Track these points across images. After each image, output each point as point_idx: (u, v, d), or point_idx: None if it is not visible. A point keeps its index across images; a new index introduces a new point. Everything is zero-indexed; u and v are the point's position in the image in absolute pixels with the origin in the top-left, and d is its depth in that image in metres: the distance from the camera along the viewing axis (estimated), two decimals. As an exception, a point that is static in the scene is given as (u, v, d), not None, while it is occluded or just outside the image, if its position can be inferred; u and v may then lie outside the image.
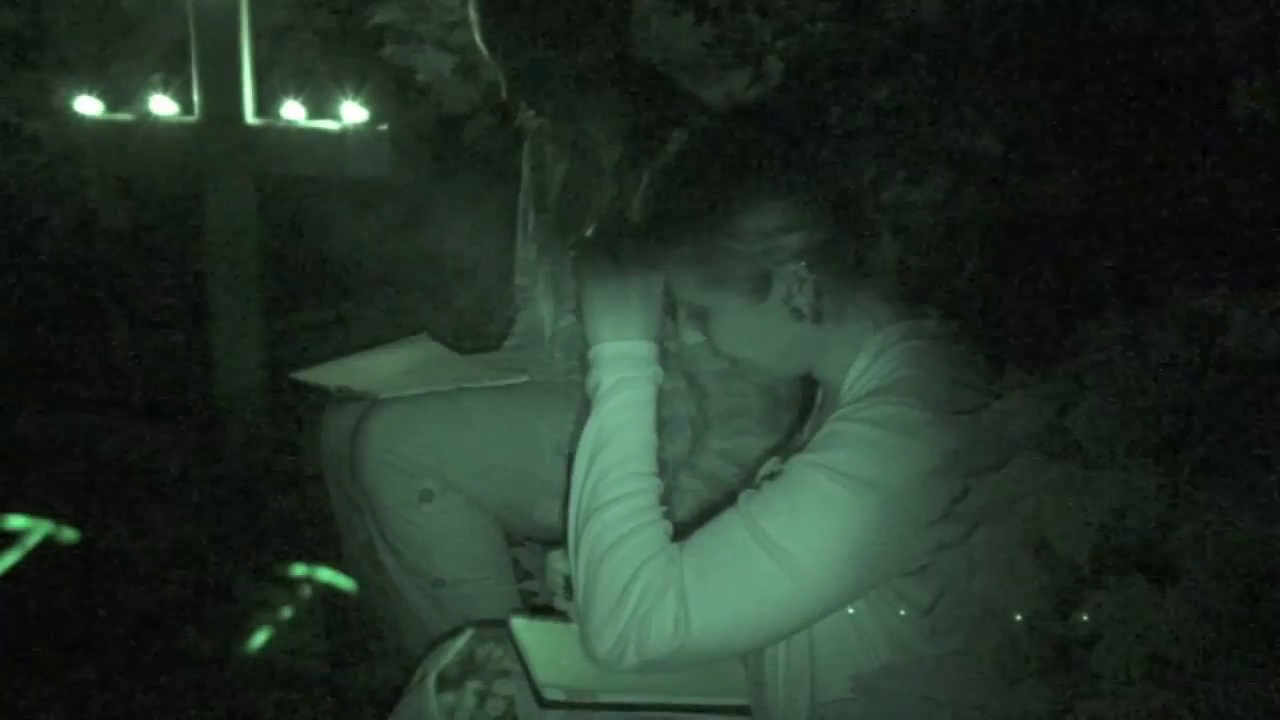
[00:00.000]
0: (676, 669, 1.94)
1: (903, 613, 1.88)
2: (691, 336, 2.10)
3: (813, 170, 1.96)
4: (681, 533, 1.95)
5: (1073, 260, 3.09)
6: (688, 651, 1.86)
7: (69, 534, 3.83)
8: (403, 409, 2.96)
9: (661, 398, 2.10)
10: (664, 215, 2.00)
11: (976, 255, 3.25)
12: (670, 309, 2.10)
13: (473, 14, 2.89)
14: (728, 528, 1.88)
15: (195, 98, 3.93)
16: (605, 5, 2.88)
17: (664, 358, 2.12)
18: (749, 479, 2.14)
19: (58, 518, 3.86)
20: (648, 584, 1.86)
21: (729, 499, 1.95)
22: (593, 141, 2.99)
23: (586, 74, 2.88)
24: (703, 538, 1.89)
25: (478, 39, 2.91)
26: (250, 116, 3.95)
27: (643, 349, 2.07)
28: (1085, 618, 1.58)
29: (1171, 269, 2.77)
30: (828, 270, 1.94)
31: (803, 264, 1.92)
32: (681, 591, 1.84)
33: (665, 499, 2.01)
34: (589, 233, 2.21)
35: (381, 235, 5.19)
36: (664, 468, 2.07)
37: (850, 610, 1.90)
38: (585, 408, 2.07)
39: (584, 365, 2.13)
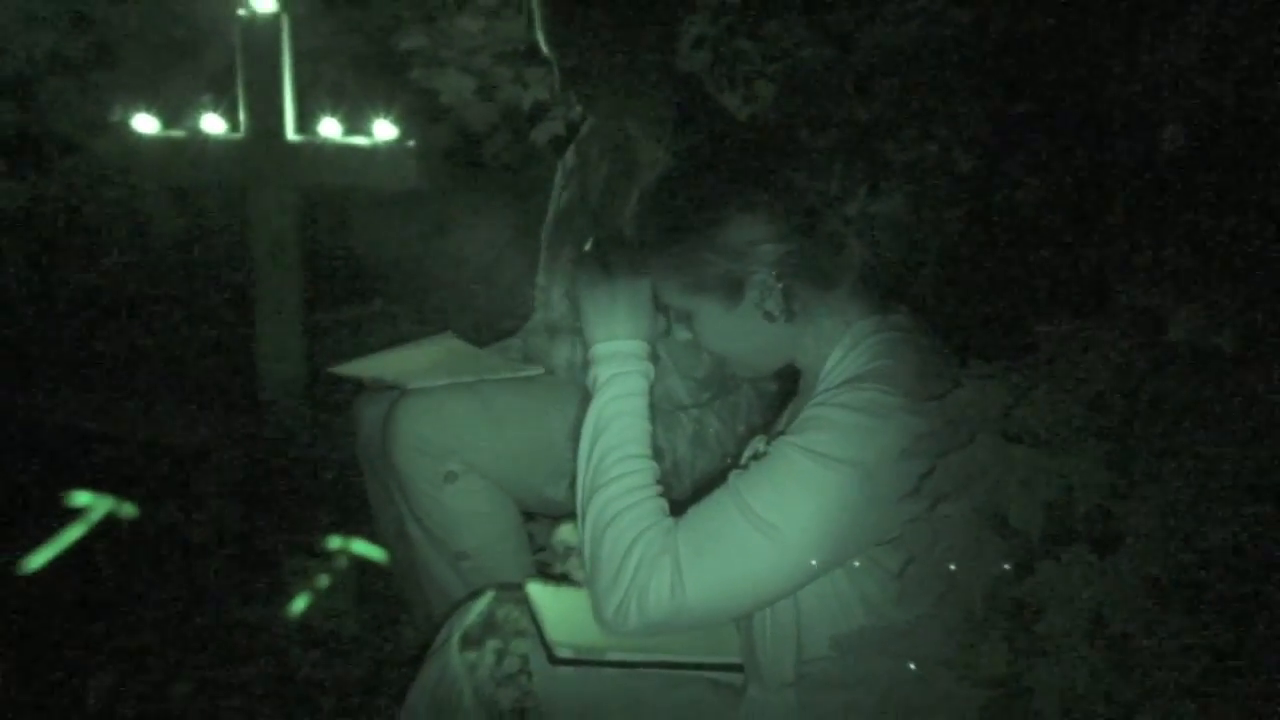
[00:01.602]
0: (675, 631, 1.96)
1: (876, 579, 1.90)
2: (682, 334, 2.12)
3: (783, 189, 1.97)
4: (684, 506, 1.98)
5: (1029, 262, 3.10)
6: (684, 615, 1.88)
7: (128, 510, 3.84)
8: (430, 399, 2.97)
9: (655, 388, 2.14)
10: (648, 229, 2.03)
11: (936, 259, 3.26)
12: (663, 310, 2.12)
13: (536, 9, 2.93)
14: (718, 503, 1.90)
15: (241, 116, 3.94)
16: (656, 14, 2.91)
17: (655, 355, 2.14)
18: (737, 459, 2.15)
19: (118, 495, 3.87)
20: (644, 553, 1.88)
21: (723, 477, 1.97)
22: (634, 141, 3.01)
23: (633, 73, 2.90)
24: (696, 513, 1.91)
25: (539, 36, 2.94)
26: (291, 133, 3.95)
27: (634, 347, 2.09)
28: (1037, 584, 1.60)
29: (1117, 271, 2.78)
30: (797, 277, 1.95)
31: (772, 272, 1.94)
32: (676, 561, 1.86)
33: (663, 478, 2.03)
34: (586, 246, 2.23)
35: (409, 241, 5.19)
36: (660, 451, 2.09)
37: (830, 577, 1.91)
38: (587, 400, 2.09)
39: (585, 362, 2.16)
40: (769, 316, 1.97)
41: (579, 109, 3.13)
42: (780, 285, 1.94)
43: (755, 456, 1.99)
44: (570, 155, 3.28)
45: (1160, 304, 1.84)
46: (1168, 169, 3.13)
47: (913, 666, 1.72)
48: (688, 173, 2.02)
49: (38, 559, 3.60)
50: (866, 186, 1.99)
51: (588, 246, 2.20)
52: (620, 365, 2.07)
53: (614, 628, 1.93)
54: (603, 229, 2.22)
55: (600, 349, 2.10)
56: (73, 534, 3.71)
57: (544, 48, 2.99)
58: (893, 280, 2.02)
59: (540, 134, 4.78)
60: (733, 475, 1.94)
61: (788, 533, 1.84)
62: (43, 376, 4.66)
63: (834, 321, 2.00)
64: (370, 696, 3.05)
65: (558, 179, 3.29)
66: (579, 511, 2.03)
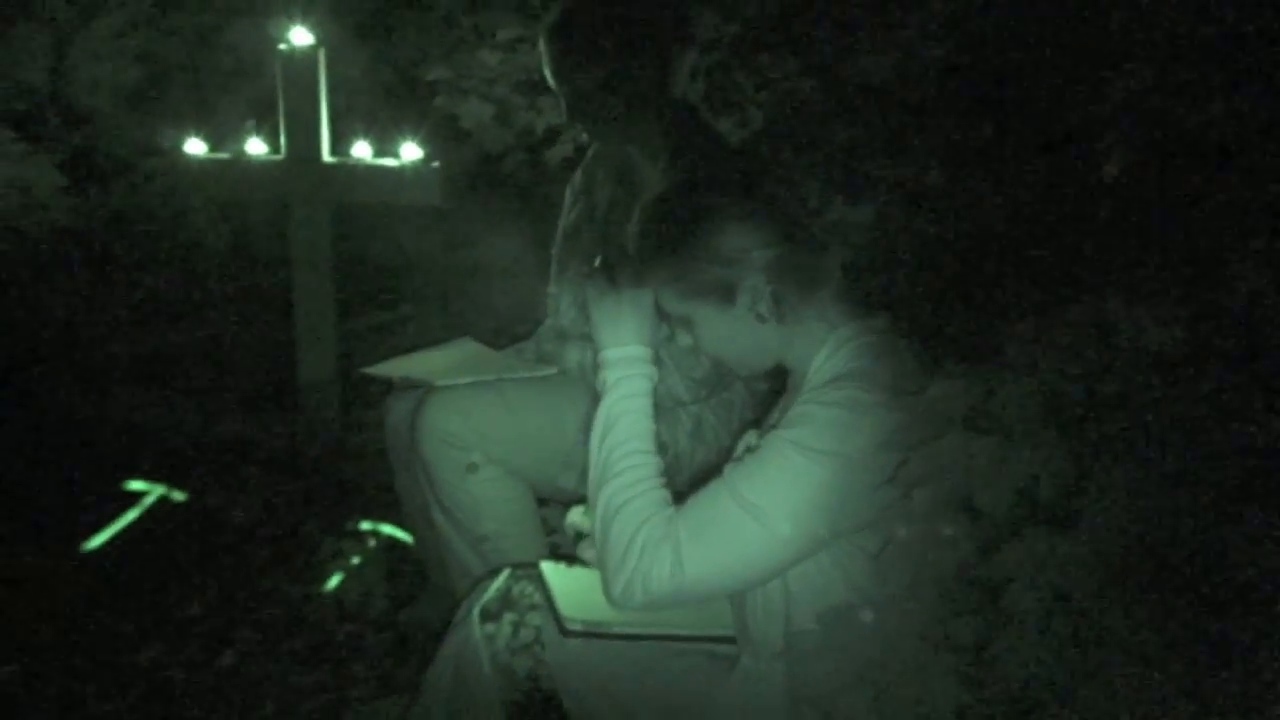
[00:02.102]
0: (676, 607, 1.98)
1: (857, 559, 1.91)
2: (683, 340, 2.12)
3: (768, 201, 1.99)
4: (683, 496, 2.00)
5: (994, 271, 3.10)
6: (683, 592, 1.89)
7: (178, 495, 3.85)
8: (453, 396, 2.97)
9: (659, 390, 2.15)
10: (648, 243, 2.04)
11: (909, 266, 3.27)
12: (665, 318, 2.13)
13: (543, 49, 2.93)
14: (714, 493, 1.92)
15: (281, 140, 3.94)
16: (650, 49, 2.91)
17: (658, 358, 2.15)
18: (732, 451, 2.16)
19: (170, 483, 3.88)
20: (648, 539, 1.89)
21: (718, 468, 1.99)
22: (636, 164, 3.01)
23: (632, 104, 2.91)
24: (694, 501, 1.93)
25: (546, 71, 2.95)
26: (326, 155, 3.96)
27: (639, 352, 2.11)
28: (1002, 563, 1.61)
29: (1074, 280, 2.78)
30: (784, 280, 1.97)
31: (761, 276, 1.96)
32: (676, 545, 1.88)
33: (664, 470, 2.04)
34: (595, 262, 2.24)
35: (433, 252, 5.20)
36: (662, 445, 2.10)
37: (815, 557, 1.92)
38: (597, 399, 2.11)
39: (595, 365, 2.17)
40: (760, 318, 1.98)
41: (586, 134, 3.13)
42: (769, 288, 1.96)
43: (748, 449, 2.00)
44: (578, 176, 3.29)
45: (1112, 310, 1.85)
46: (1119, 187, 3.13)
47: (889, 639, 1.73)
48: (682, 191, 2.04)
49: (97, 539, 3.61)
50: (842, 198, 2.01)
51: (596, 263, 2.21)
52: (627, 369, 2.09)
53: (621, 604, 1.94)
54: (609, 246, 2.23)
55: (609, 354, 2.12)
56: (129, 517, 3.72)
57: (551, 82, 3.00)
58: (870, 285, 2.03)
59: (552, 156, 4.79)
60: (727, 467, 1.96)
61: (776, 518, 1.85)
62: (103, 376, 4.66)
63: (819, 325, 2.02)
64: (398, 664, 3.06)
65: (567, 197, 3.29)
66: (590, 499, 2.05)
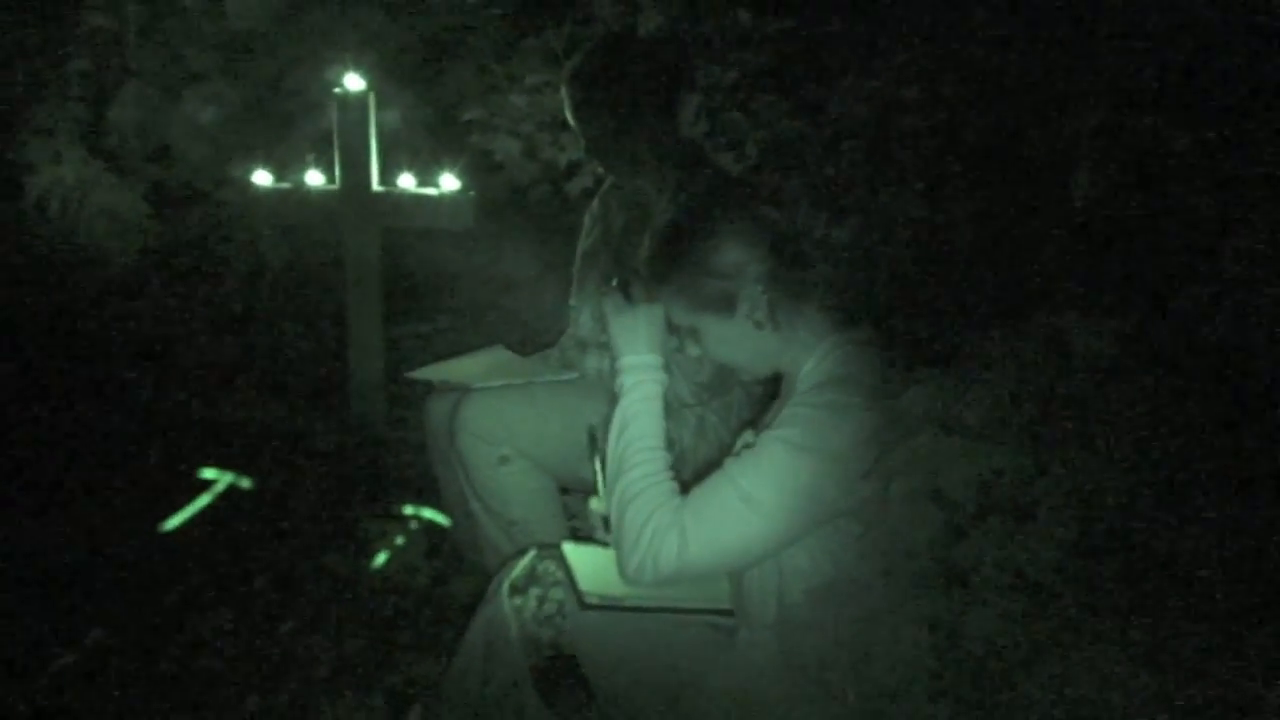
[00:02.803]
0: (682, 583, 1.98)
1: (841, 542, 1.91)
2: (692, 350, 2.13)
3: (761, 222, 2.00)
4: (689, 486, 2.01)
5: (962, 287, 3.10)
6: (688, 570, 1.90)
7: (245, 483, 3.84)
8: (486, 397, 2.97)
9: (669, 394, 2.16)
10: (657, 262, 2.05)
11: (887, 281, 3.26)
12: (674, 330, 2.14)
13: (565, 94, 2.94)
14: (715, 484, 1.93)
15: (337, 171, 3.94)
16: (659, 94, 2.92)
17: (668, 365, 2.16)
18: (731, 447, 2.16)
19: (237, 471, 3.87)
20: (657, 525, 1.90)
21: (719, 463, 2.00)
22: (646, 193, 3.01)
23: (643, 142, 2.91)
24: (698, 492, 1.94)
25: (567, 113, 2.96)
26: (375, 185, 3.95)
27: (652, 360, 2.12)
28: (970, 547, 1.60)
29: (1033, 298, 2.77)
30: (777, 289, 1.98)
31: (757, 287, 1.97)
32: (682, 530, 1.89)
33: (673, 464, 2.05)
34: (613, 282, 2.24)
35: (468, 271, 5.19)
36: (670, 441, 2.10)
37: (804, 541, 1.92)
38: (614, 402, 2.11)
39: (613, 371, 2.17)
40: (758, 325, 2.00)
41: (602, 168, 3.13)
42: (764, 297, 1.97)
43: (745, 446, 2.01)
44: (596, 204, 3.29)
45: (1066, 323, 1.85)
46: (1072, 215, 3.13)
47: (869, 613, 1.73)
48: (685, 215, 2.04)
49: (175, 521, 3.61)
50: (826, 220, 2.03)
51: (613, 282, 2.22)
52: (640, 375, 2.10)
53: (634, 581, 1.96)
54: (623, 267, 2.24)
55: (625, 361, 2.13)
56: (203, 501, 3.72)
57: (572, 123, 3.00)
58: (851, 299, 2.03)
59: (573, 187, 4.79)
60: (728, 461, 1.97)
61: (769, 506, 1.86)
62: (180, 377, 4.67)
63: (808, 335, 2.03)
64: (436, 632, 3.05)
65: (586, 223, 3.29)
66: (606, 490, 2.06)
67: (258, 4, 4.96)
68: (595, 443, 2.43)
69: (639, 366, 2.11)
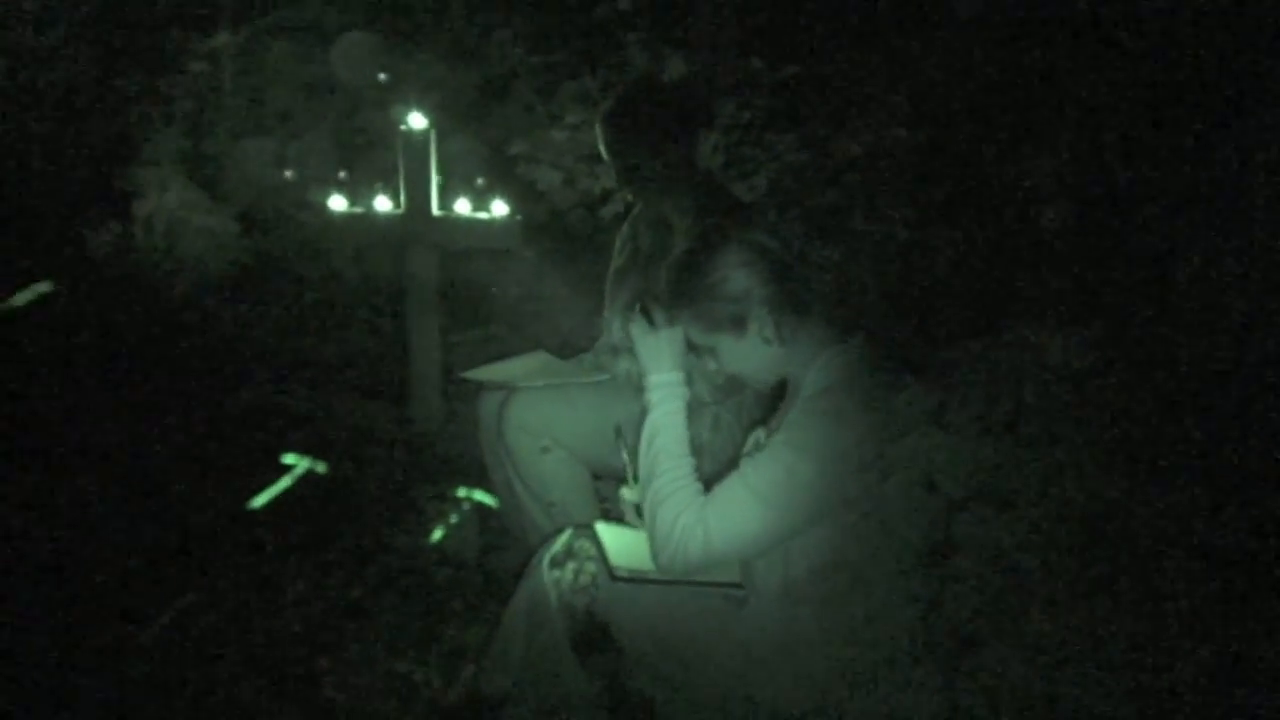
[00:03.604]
0: (708, 569, 2.00)
1: (842, 527, 1.90)
2: (710, 365, 2.13)
3: (766, 250, 2.00)
4: (712, 480, 2.03)
5: (948, 304, 3.08)
6: (712, 560, 1.95)
7: (320, 467, 3.85)
8: (530, 395, 2.97)
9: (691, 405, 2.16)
10: (678, 291, 2.06)
11: (881, 299, 3.25)
12: (693, 348, 2.14)
13: (599, 131, 2.94)
14: (732, 484, 1.96)
15: (401, 198, 3.95)
16: (682, 131, 2.91)
17: (689, 376, 2.16)
18: (744, 441, 2.16)
19: (313, 457, 3.88)
20: (685, 523, 1.93)
21: (733, 464, 2.01)
22: (670, 218, 3.01)
23: (668, 173, 2.90)
24: (718, 491, 1.97)
25: (601, 147, 2.96)
26: (435, 210, 3.96)
27: (675, 376, 2.14)
28: (956, 531, 1.59)
29: (1010, 312, 2.76)
30: (782, 310, 1.98)
31: (764, 309, 1.97)
32: (706, 526, 1.91)
33: (697, 465, 2.06)
34: (637, 307, 2.24)
35: (514, 285, 5.20)
36: (691, 439, 2.11)
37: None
38: (642, 413, 2.14)
39: (641, 384, 2.18)
40: (766, 341, 2.00)
41: (631, 196, 3.13)
42: (771, 318, 1.98)
43: (756, 444, 2.03)
44: (626, 227, 3.28)
45: (1040, 335, 1.84)
46: (1045, 240, 3.11)
47: (865, 585, 1.72)
48: (696, 250, 2.05)
49: (259, 500, 3.62)
50: (823, 244, 2.04)
51: (637, 307, 2.22)
52: (666, 390, 2.12)
53: (666, 571, 2.01)
54: (648, 293, 2.25)
55: (652, 379, 2.15)
56: (283, 484, 3.73)
57: (605, 156, 2.99)
58: (849, 314, 2.03)
59: (606, 212, 4.80)
60: (743, 462, 2.01)
61: (780, 502, 1.88)
62: (265, 375, 4.69)
63: (810, 348, 2.03)
64: (485, 600, 3.05)
65: (617, 244, 3.29)
66: (641, 489, 2.08)
67: (358, 61, 5.00)
68: (621, 437, 2.43)
69: (664, 384, 2.13)
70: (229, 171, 5.27)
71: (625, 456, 2.33)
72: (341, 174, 4.48)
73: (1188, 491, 1.65)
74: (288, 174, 5.13)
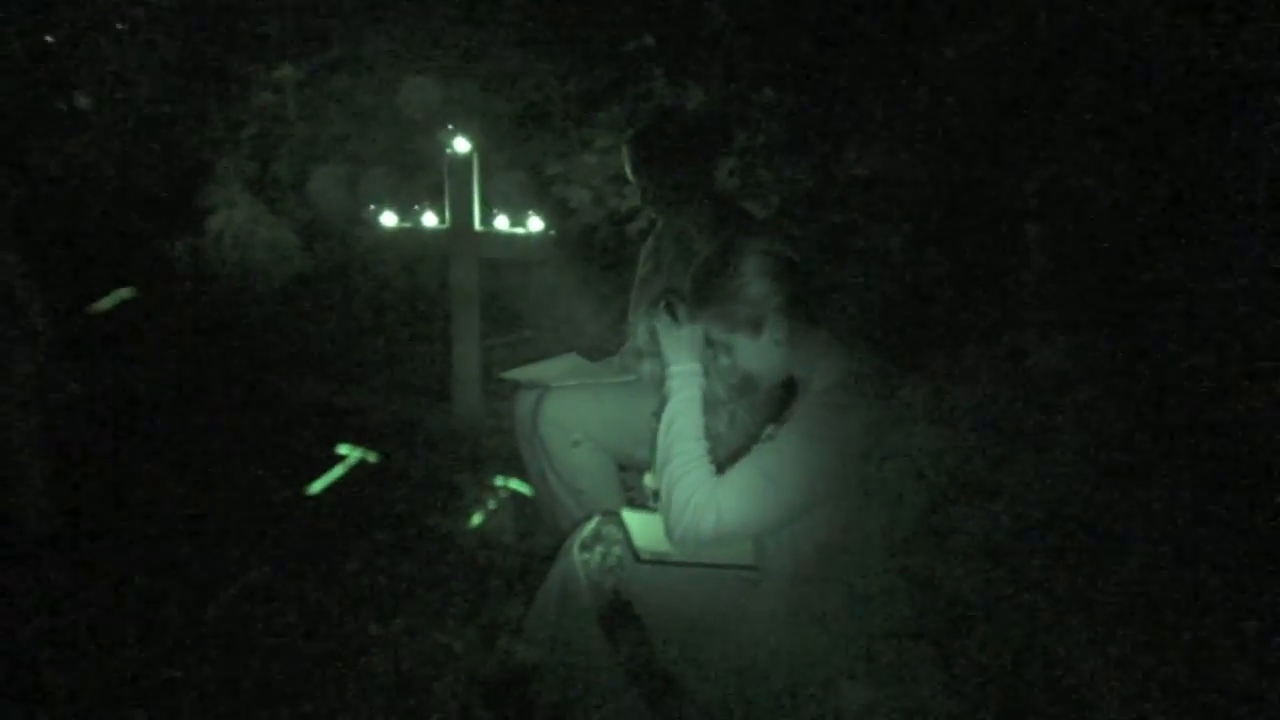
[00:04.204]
0: (718, 546, 1.99)
1: (845, 511, 1.90)
2: (724, 360, 2.13)
3: (782, 262, 2.01)
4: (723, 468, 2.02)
5: (945, 311, 3.08)
6: (724, 537, 1.93)
7: (371, 457, 3.87)
8: (563, 394, 2.98)
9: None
10: (702, 294, 2.06)
11: (882, 307, 3.24)
12: (711, 344, 2.14)
13: (625, 155, 2.95)
14: (744, 467, 1.94)
15: (446, 214, 3.98)
16: (701, 155, 2.92)
17: (706, 371, 2.16)
18: (758, 436, 2.17)
19: (365, 447, 3.91)
20: (699, 502, 1.92)
21: (748, 449, 2.01)
22: (689, 234, 3.01)
23: (687, 193, 2.91)
24: (731, 473, 1.95)
25: (627, 169, 2.97)
26: (477, 225, 3.98)
27: (694, 368, 2.13)
28: (948, 517, 1.59)
29: (999, 320, 2.76)
30: (794, 316, 1.98)
31: (779, 314, 1.97)
32: (718, 505, 1.90)
33: (710, 450, 2.05)
34: (661, 302, 2.24)
35: (548, 293, 5.20)
36: (708, 431, 2.11)
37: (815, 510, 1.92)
38: (663, 401, 2.12)
39: (663, 376, 2.19)
40: (778, 343, 2.01)
41: (655, 214, 3.14)
42: (785, 322, 1.98)
43: (769, 436, 2.02)
44: (649, 242, 3.29)
45: (1028, 341, 1.84)
46: (1035, 253, 3.10)
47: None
48: (721, 257, 2.06)
49: (316, 486, 3.65)
50: (832, 258, 2.04)
51: (662, 303, 2.22)
52: (685, 380, 2.12)
53: (680, 546, 1.99)
54: (671, 292, 2.25)
55: (673, 369, 2.15)
56: (337, 471, 3.75)
57: (631, 177, 3.00)
58: (853, 320, 2.03)
59: (631, 228, 4.79)
60: (755, 448, 1.98)
61: (788, 484, 1.87)
62: (323, 374, 4.72)
63: (820, 350, 2.03)
64: (520, 579, 3.06)
65: (642, 256, 3.30)
66: (657, 471, 2.06)
67: (423, 99, 5.04)
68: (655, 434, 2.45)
69: (683, 374, 2.13)
70: (291, 190, 5.31)
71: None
72: (392, 193, 4.51)
73: (1169, 489, 1.65)
74: (344, 192, 5.16)
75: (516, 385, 3.21)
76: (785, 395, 2.21)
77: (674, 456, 2.02)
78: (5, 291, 3.09)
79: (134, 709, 2.49)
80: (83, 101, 5.22)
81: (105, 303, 4.76)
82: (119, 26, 5.21)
